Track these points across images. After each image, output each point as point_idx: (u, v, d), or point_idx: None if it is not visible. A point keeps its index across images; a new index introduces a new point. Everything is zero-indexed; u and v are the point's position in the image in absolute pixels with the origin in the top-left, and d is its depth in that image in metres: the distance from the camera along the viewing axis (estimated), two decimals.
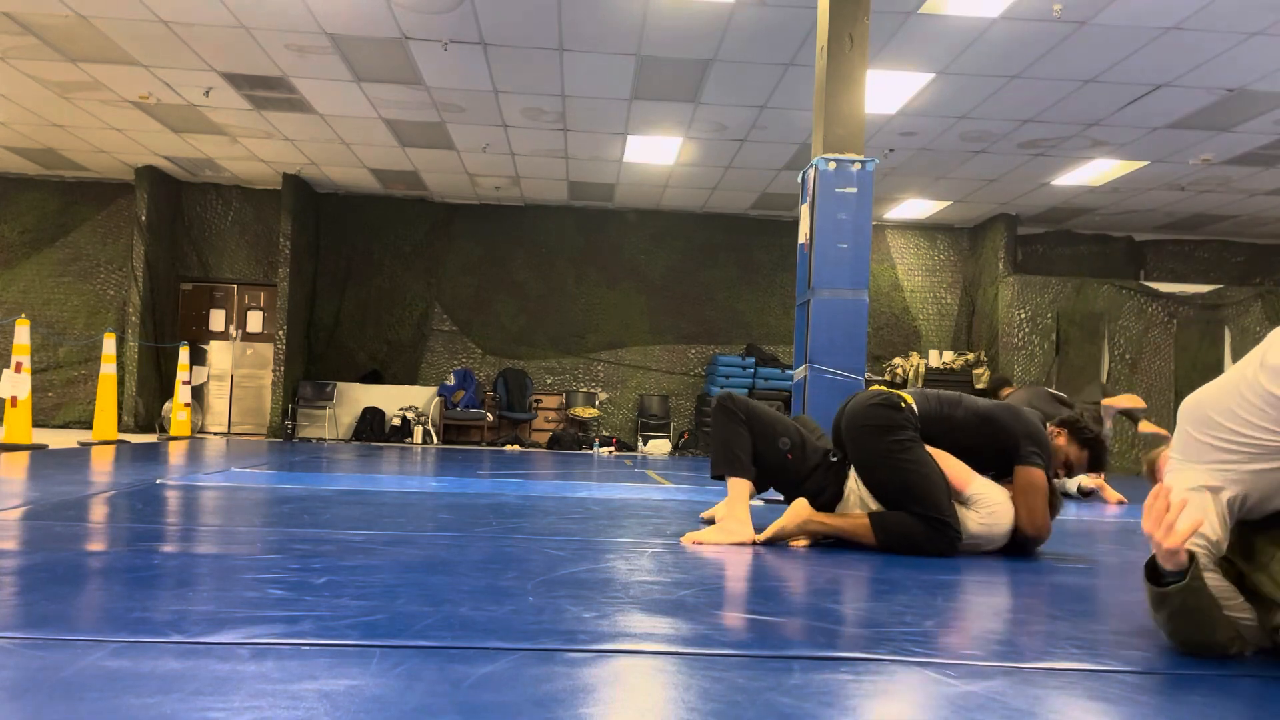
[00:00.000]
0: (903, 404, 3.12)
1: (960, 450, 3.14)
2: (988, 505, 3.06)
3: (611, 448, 12.09)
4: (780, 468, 3.21)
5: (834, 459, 3.26)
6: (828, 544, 3.13)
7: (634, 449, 12.53)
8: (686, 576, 2.43)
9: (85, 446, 7.69)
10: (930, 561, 2.87)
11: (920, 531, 2.96)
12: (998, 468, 3.21)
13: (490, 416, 12.28)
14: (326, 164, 11.26)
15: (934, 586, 2.43)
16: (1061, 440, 3.37)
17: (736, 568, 2.63)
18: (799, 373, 4.84)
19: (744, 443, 3.13)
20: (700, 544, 3.02)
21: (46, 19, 7.26)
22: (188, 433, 10.19)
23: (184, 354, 10.28)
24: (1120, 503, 5.97)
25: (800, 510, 3.06)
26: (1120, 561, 3.11)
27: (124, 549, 2.51)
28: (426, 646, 1.57)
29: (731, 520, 3.07)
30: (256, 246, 12.54)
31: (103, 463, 5.87)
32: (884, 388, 3.23)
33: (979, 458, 3.17)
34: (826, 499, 3.21)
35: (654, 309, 13.00)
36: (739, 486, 3.11)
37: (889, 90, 8.11)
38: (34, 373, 11.09)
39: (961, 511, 3.05)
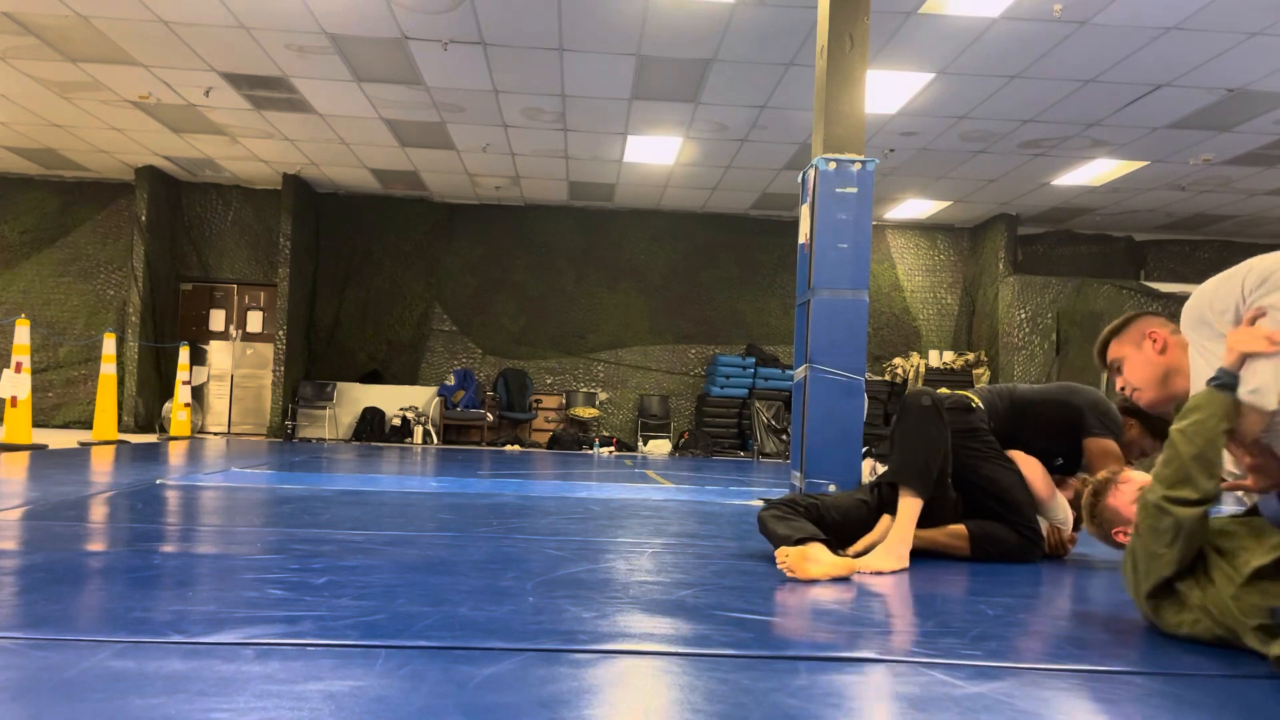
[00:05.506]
0: (974, 405, 3.06)
1: (1032, 444, 3.12)
2: (1054, 518, 3.12)
3: (611, 448, 12.08)
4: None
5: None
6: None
7: (634, 449, 12.52)
8: (686, 577, 2.43)
9: (85, 446, 7.68)
10: (932, 562, 2.87)
11: (1015, 543, 2.94)
12: (1068, 455, 3.19)
13: (490, 416, 12.26)
14: (326, 164, 11.25)
15: (937, 588, 2.43)
16: (1134, 432, 3.24)
17: (737, 568, 2.63)
18: (799, 373, 4.83)
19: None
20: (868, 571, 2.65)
21: (46, 19, 7.26)
22: (188, 433, 10.18)
23: (184, 354, 10.28)
24: None
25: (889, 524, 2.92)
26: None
27: (125, 549, 2.51)
28: (429, 647, 1.57)
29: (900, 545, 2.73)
30: (256, 246, 12.53)
31: (103, 463, 5.86)
32: (946, 390, 3.15)
33: (1051, 446, 3.16)
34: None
35: (654, 309, 12.99)
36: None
37: (889, 90, 8.10)
38: (34, 373, 11.08)
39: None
